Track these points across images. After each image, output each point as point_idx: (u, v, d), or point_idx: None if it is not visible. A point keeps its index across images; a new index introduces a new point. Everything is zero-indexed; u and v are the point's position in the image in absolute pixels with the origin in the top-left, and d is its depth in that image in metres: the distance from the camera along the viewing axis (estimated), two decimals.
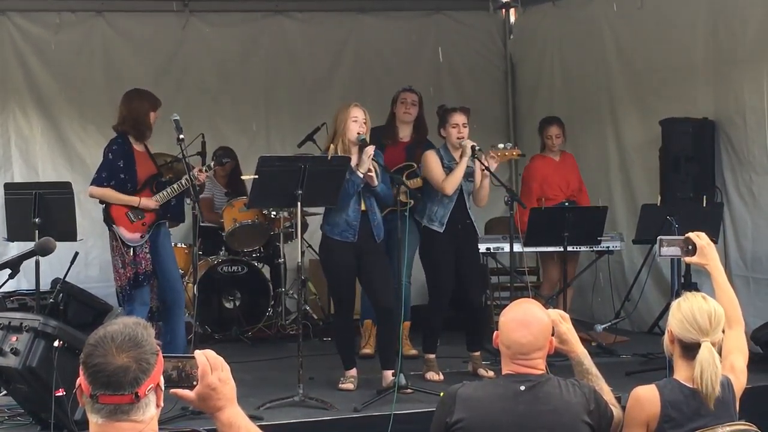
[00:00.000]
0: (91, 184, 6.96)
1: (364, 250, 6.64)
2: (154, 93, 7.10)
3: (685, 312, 3.59)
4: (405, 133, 7.89)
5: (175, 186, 6.95)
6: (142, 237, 6.91)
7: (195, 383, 2.52)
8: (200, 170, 6.95)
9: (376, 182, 6.56)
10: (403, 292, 7.21)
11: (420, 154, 7.39)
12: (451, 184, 7.03)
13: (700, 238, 4.02)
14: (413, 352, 7.64)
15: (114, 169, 6.89)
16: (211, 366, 2.54)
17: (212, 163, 7.28)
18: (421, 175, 7.30)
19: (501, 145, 7.36)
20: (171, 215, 7.12)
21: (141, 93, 7.05)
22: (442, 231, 7.08)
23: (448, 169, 7.08)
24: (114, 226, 6.90)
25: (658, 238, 4.13)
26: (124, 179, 6.90)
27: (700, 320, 3.56)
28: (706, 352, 3.51)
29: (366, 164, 6.49)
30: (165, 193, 6.97)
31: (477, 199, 7.20)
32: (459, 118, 7.13)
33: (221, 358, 2.57)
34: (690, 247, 4.03)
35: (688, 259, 4.06)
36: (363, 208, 6.66)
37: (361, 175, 6.51)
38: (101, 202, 6.98)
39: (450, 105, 7.35)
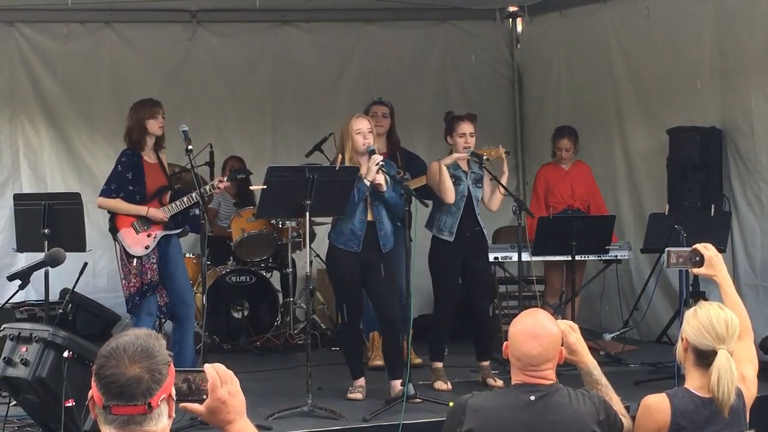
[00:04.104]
0: (100, 195, 6.98)
1: (369, 261, 6.66)
2: (161, 102, 7.08)
3: (702, 319, 3.58)
4: (378, 146, 7.20)
5: (185, 199, 6.94)
6: (147, 248, 6.87)
7: (205, 397, 2.53)
8: (221, 180, 7.00)
9: (384, 188, 6.57)
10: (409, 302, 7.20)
11: (403, 164, 7.35)
12: (445, 193, 7.00)
13: (707, 249, 4.02)
14: (418, 360, 7.62)
15: (122, 181, 6.89)
16: (221, 379, 2.54)
17: (236, 175, 7.32)
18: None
19: (485, 148, 7.31)
20: (190, 226, 7.10)
21: (138, 104, 6.99)
22: (452, 240, 7.08)
23: (455, 178, 7.09)
24: (118, 235, 6.90)
25: (666, 250, 4.14)
26: (132, 191, 6.89)
27: (718, 328, 3.55)
28: (723, 359, 3.51)
29: (373, 172, 6.50)
30: (174, 205, 6.96)
31: (489, 205, 7.22)
32: (466, 128, 7.11)
33: (231, 372, 2.58)
34: (698, 258, 4.03)
35: (696, 270, 4.07)
36: (370, 218, 6.67)
37: (368, 183, 6.52)
38: (108, 211, 6.99)
39: (457, 114, 7.34)
